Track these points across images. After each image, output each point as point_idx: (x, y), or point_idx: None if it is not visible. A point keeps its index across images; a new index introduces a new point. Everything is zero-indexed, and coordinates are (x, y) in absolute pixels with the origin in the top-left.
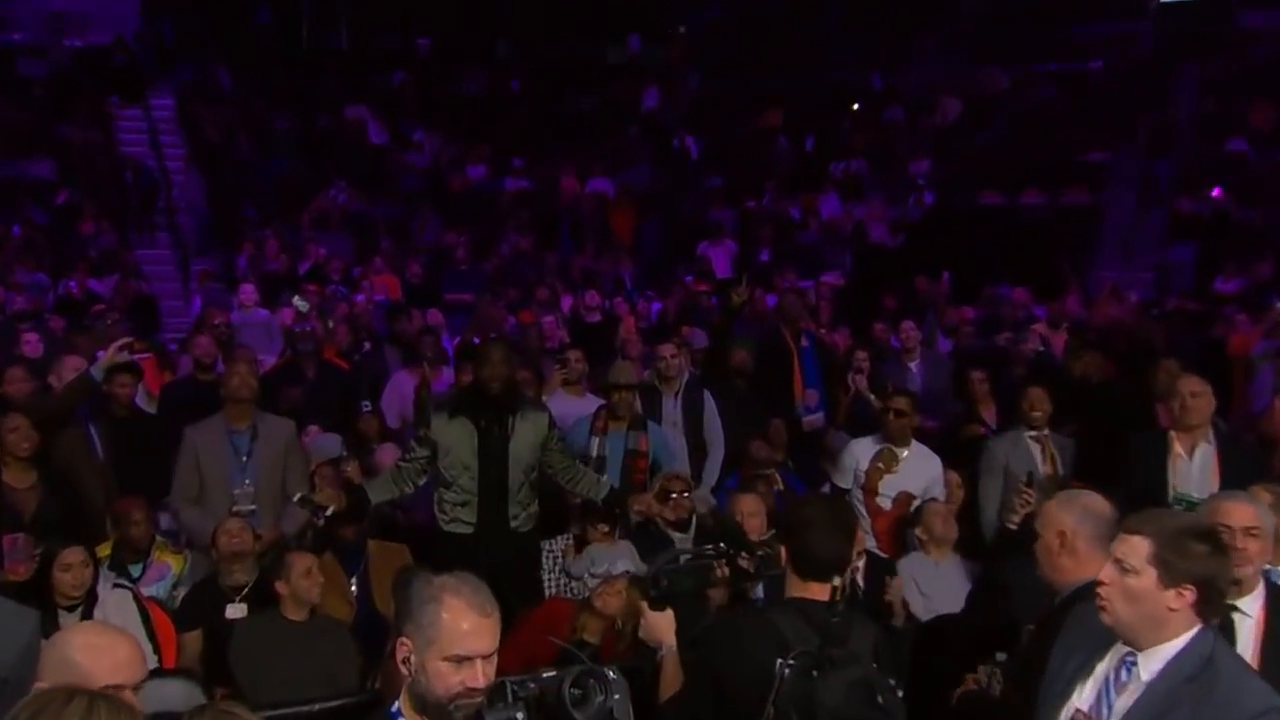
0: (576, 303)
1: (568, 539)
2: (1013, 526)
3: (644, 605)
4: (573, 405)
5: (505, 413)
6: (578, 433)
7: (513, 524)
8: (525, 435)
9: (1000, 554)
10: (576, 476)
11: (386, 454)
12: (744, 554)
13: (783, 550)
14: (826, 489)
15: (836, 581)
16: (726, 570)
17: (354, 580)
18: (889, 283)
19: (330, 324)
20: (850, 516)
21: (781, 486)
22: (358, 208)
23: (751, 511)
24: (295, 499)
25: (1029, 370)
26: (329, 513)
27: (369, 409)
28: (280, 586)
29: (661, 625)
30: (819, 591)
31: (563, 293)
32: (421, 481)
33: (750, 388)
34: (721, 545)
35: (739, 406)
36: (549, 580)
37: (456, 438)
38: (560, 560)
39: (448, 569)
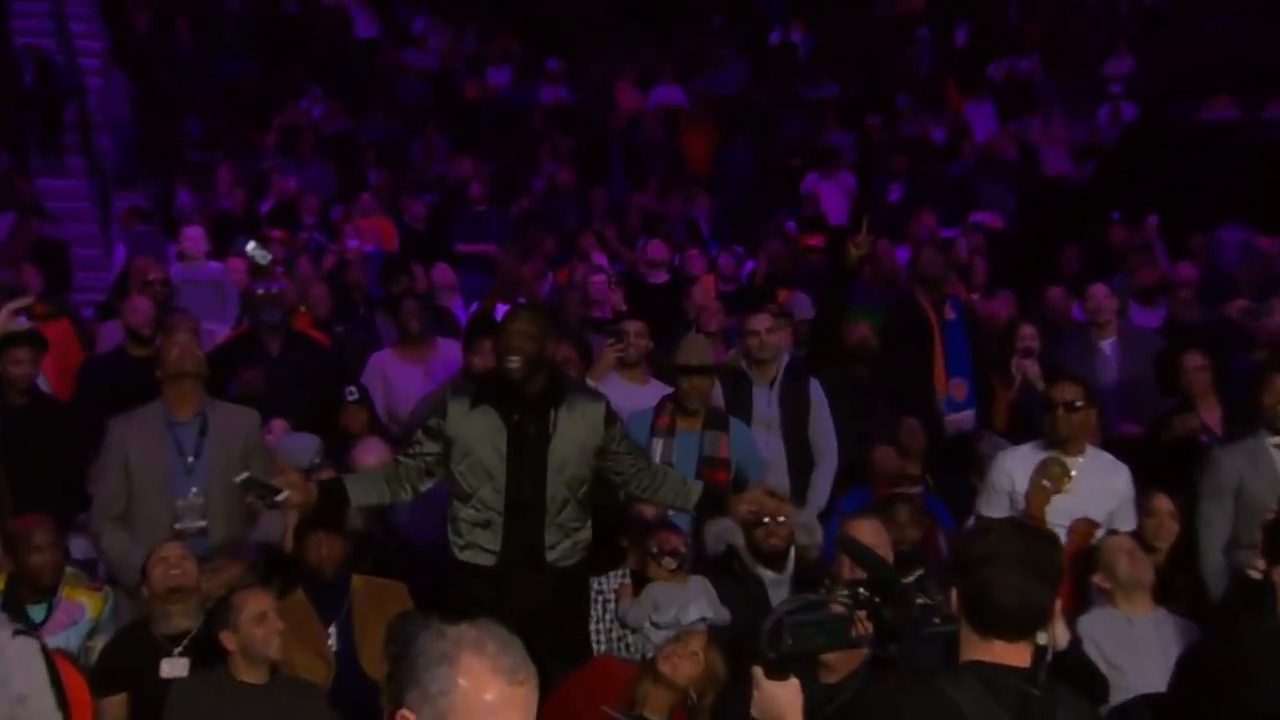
0: (635, 257)
1: (621, 575)
2: (1255, 574)
3: (758, 673)
4: (628, 395)
5: (546, 405)
6: (634, 432)
7: (550, 555)
8: (572, 434)
9: (1231, 612)
10: (656, 481)
11: (369, 452)
12: (895, 600)
13: (954, 596)
14: (979, 517)
15: (1042, 639)
16: (869, 624)
17: (333, 629)
18: (1071, 229)
19: (302, 283)
20: (1051, 550)
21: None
22: (338, 126)
23: (870, 544)
24: (238, 479)
25: (1273, 353)
26: (282, 498)
27: (355, 397)
28: (226, 637)
29: (783, 701)
30: (1008, 654)
31: (616, 243)
32: (424, 487)
33: (874, 375)
34: (861, 590)
35: (858, 400)
36: (597, 631)
37: (479, 434)
38: (611, 604)
39: (464, 615)
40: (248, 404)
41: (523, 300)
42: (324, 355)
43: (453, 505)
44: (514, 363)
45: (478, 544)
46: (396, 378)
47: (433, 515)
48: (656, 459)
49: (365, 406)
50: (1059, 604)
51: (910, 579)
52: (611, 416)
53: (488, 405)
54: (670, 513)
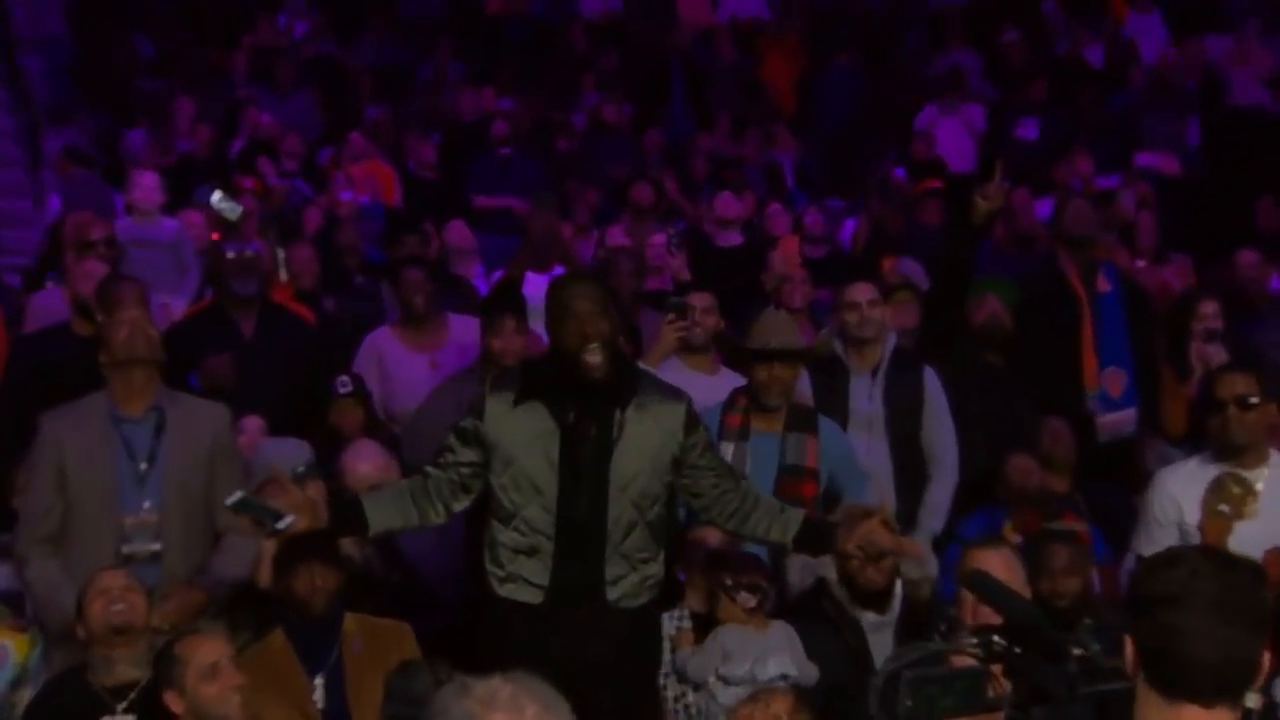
0: (701, 213)
1: (679, 616)
2: None
3: None
4: (692, 387)
5: (611, 402)
6: None
7: (612, 592)
8: (643, 440)
9: None
10: (745, 506)
11: (363, 458)
12: (1042, 651)
13: (1128, 648)
14: (1140, 549)
15: (1252, 702)
16: (1007, 682)
17: (319, 681)
18: (1267, 176)
19: (282, 244)
20: (1256, 587)
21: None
22: (325, 47)
23: (1003, 579)
24: (230, 501)
25: None
26: (285, 524)
27: (349, 389)
28: (170, 698)
29: None
30: None
31: (677, 196)
32: (459, 506)
33: (1006, 363)
34: (996, 639)
35: (986, 395)
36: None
37: (525, 438)
38: (671, 655)
39: (495, 666)
40: (214, 397)
41: (559, 268)
42: (309, 336)
43: (491, 527)
44: (595, 355)
45: (521, 576)
46: (397, 364)
47: (444, 538)
48: None
49: (360, 401)
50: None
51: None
52: (694, 420)
53: (536, 402)
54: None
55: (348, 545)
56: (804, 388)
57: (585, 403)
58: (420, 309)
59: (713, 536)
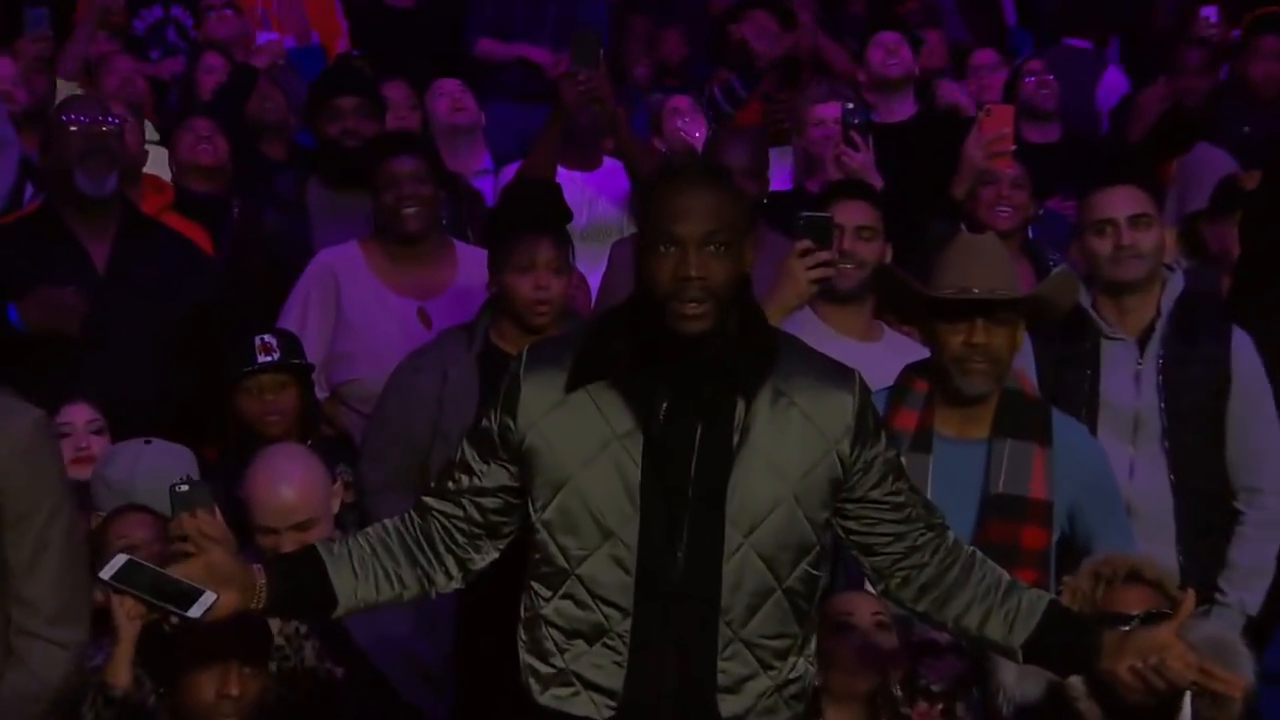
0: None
1: None
2: None
3: None
4: (841, 358)
5: (728, 384)
6: None
7: (730, 706)
8: (784, 449)
9: None
10: (952, 575)
11: (286, 475)
12: None
13: None
14: None
15: None
16: None
17: None
18: None
19: (159, 117)
20: None
21: None
22: None
23: None
24: (106, 574)
25: None
26: (203, 609)
27: (274, 357)
28: None
29: None
30: None
31: (812, 30)
32: (483, 562)
33: None
34: None
35: None
36: None
37: (585, 447)
38: None
39: None
40: (46, 354)
41: (611, 162)
42: (200, 268)
43: (529, 594)
44: (695, 308)
45: (578, 675)
46: (366, 310)
47: (422, 612)
48: None
49: (292, 377)
50: None
51: None
52: (871, 421)
53: (603, 387)
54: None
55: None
56: (1025, 363)
57: (685, 388)
58: (415, 226)
59: (863, 609)
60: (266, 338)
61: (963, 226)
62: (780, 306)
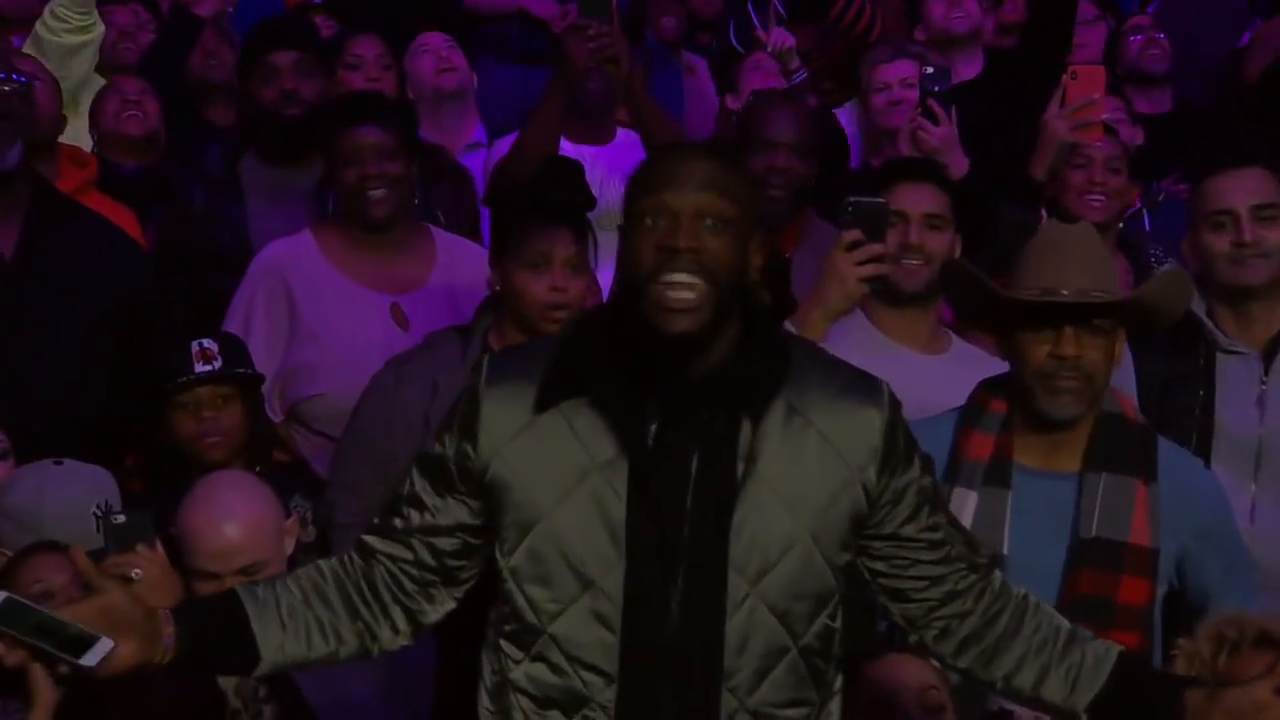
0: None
1: None
2: None
3: None
4: (901, 372)
5: (729, 400)
6: None
7: None
8: (797, 479)
9: None
10: (1000, 625)
11: (224, 505)
12: None
13: None
14: None
15: None
16: None
17: None
18: None
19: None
20: None
21: None
22: None
23: None
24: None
25: None
26: (96, 659)
27: (213, 366)
28: None
29: None
30: None
31: None
32: (436, 615)
33: None
34: None
35: None
36: None
37: (560, 478)
38: None
39: None
40: None
41: (625, 134)
42: (127, 257)
43: (495, 653)
44: (683, 292)
45: None
46: (328, 310)
47: (389, 668)
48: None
49: (236, 389)
50: None
51: None
52: (900, 442)
53: (581, 405)
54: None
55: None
56: (1123, 384)
57: (678, 406)
58: (381, 211)
59: (912, 678)
60: (206, 342)
61: (1043, 214)
62: (824, 310)
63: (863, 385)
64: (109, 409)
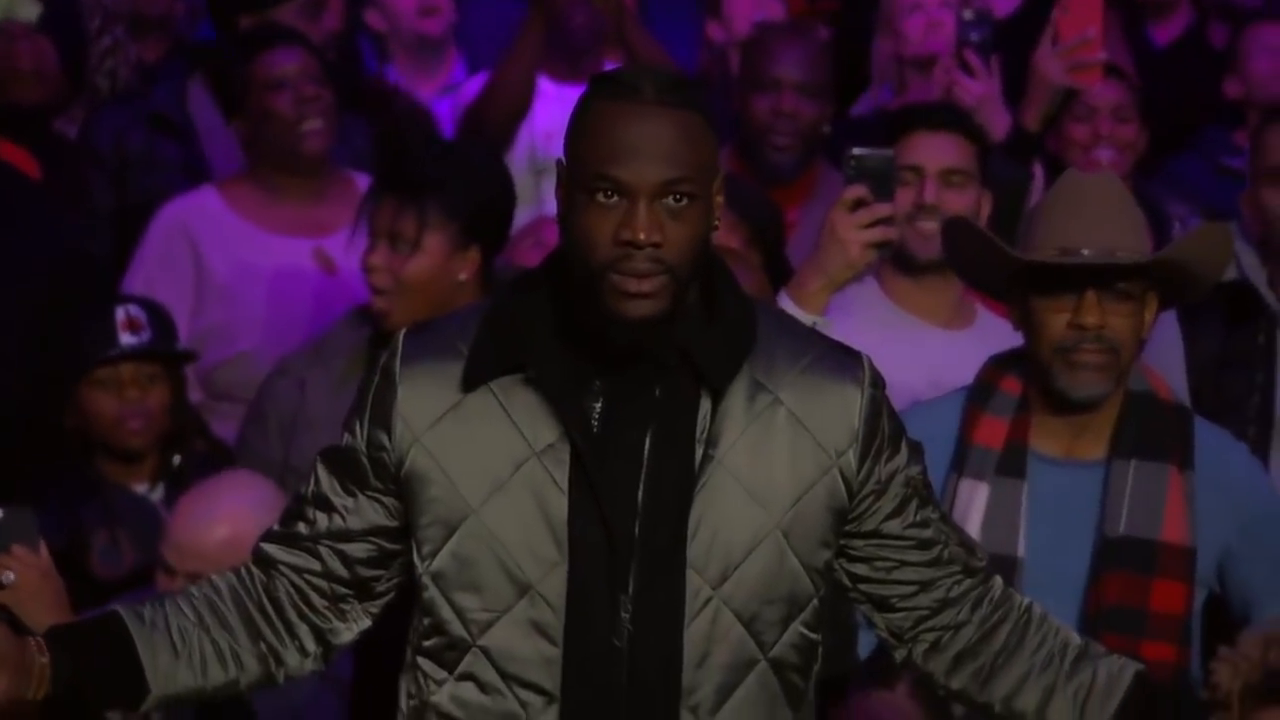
0: None
1: None
2: None
3: None
4: (918, 347)
5: (682, 380)
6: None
7: None
8: (765, 469)
9: None
10: (999, 638)
11: (221, 513)
12: None
13: None
14: None
15: None
16: None
17: None
18: None
19: None
20: None
21: None
22: None
23: None
24: None
25: None
26: None
27: (139, 338)
28: None
29: None
30: None
31: None
32: (348, 635)
33: None
34: None
35: None
36: None
37: (488, 468)
38: None
39: None
40: None
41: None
42: (29, 205)
43: (413, 673)
44: (641, 284)
45: None
46: (232, 264)
47: (322, 689)
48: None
49: (163, 367)
50: None
51: None
52: (883, 424)
53: (516, 383)
54: None
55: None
56: (1163, 356)
57: (628, 383)
58: (313, 145)
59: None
60: (132, 309)
61: (1036, 171)
62: (825, 279)
63: (839, 358)
64: (15, 383)
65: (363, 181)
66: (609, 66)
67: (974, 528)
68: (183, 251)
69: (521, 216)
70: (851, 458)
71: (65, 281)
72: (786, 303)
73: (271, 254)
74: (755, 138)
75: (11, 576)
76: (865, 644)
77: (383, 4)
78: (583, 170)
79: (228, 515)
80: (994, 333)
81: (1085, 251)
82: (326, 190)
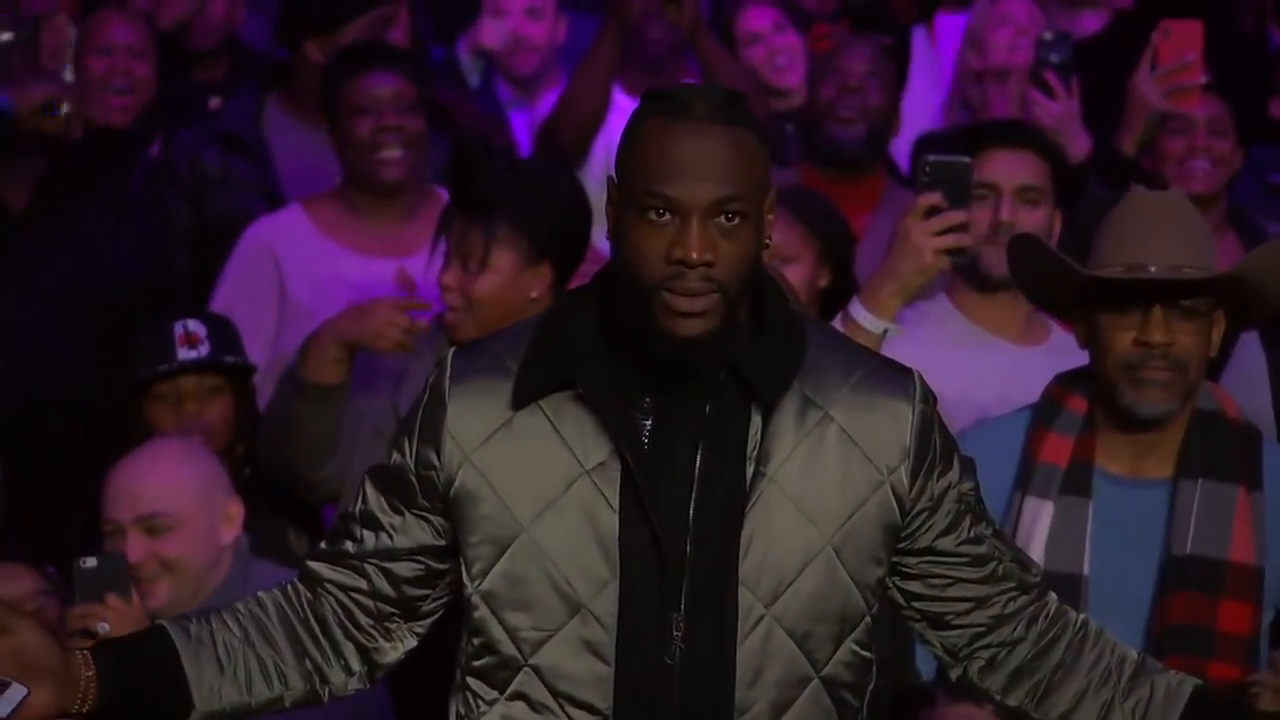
0: None
1: None
2: None
3: None
4: (987, 365)
5: (744, 399)
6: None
7: None
8: (817, 488)
9: None
10: (1055, 654)
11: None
12: None
13: None
14: None
15: None
16: None
17: None
18: None
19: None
20: None
21: None
22: None
23: None
24: None
25: None
26: (15, 706)
27: (198, 352)
28: None
29: None
30: None
31: None
32: (395, 654)
33: None
34: None
35: None
36: None
37: (539, 488)
38: None
39: None
40: None
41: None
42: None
43: (463, 694)
44: (693, 303)
45: None
46: (315, 286)
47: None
48: (1040, 560)
49: (226, 379)
50: None
51: None
52: (933, 430)
53: (567, 401)
54: None
55: None
56: (1247, 377)
57: (679, 401)
58: (390, 174)
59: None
60: (191, 324)
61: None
62: (897, 286)
63: (890, 374)
64: (85, 398)
65: (445, 195)
66: (685, 80)
67: (1039, 546)
68: (266, 273)
69: (599, 232)
70: (903, 474)
71: (145, 300)
72: (859, 310)
73: (353, 274)
74: (821, 118)
75: (106, 628)
76: (927, 660)
77: (474, 41)
78: (634, 188)
79: (147, 459)
80: (1067, 350)
81: (1152, 268)
82: (415, 208)
